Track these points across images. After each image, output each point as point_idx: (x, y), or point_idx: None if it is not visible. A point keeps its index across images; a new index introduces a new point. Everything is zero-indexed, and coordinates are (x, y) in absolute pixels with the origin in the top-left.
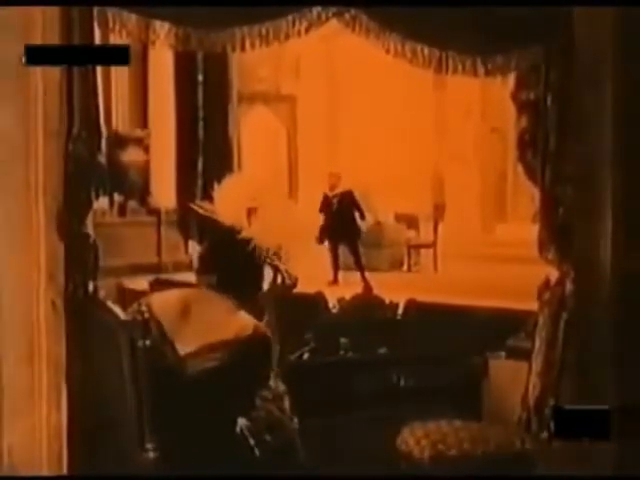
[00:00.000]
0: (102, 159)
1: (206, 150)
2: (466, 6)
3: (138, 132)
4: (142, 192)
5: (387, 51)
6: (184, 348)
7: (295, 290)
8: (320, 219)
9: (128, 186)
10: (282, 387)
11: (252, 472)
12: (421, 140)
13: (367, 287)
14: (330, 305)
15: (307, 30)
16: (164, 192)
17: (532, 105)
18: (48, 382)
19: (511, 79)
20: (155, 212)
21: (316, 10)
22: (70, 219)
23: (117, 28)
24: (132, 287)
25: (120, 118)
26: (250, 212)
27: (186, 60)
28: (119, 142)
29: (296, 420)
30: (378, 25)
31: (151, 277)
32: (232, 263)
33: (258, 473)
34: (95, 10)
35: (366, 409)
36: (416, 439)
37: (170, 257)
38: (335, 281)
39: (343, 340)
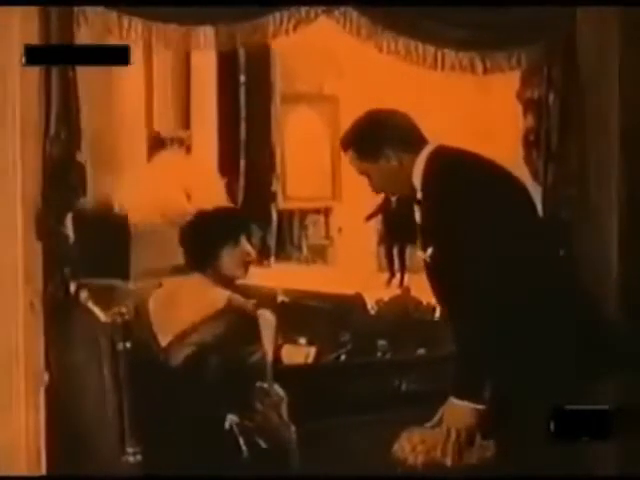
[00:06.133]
0: (82, 159)
1: (248, 151)
2: (464, 7)
3: (180, 133)
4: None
5: (380, 49)
6: (165, 339)
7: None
8: (378, 221)
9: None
10: (278, 390)
11: (238, 473)
12: (466, 143)
13: (405, 288)
14: (369, 306)
15: (295, 28)
16: (206, 192)
17: (537, 104)
18: (26, 384)
19: (516, 77)
20: None
21: (304, 7)
22: (48, 219)
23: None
24: None
25: (162, 119)
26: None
27: (228, 61)
28: (161, 143)
29: (292, 425)
30: (370, 22)
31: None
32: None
33: (244, 474)
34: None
35: (368, 413)
36: (412, 445)
37: None
38: (389, 283)
39: (381, 342)
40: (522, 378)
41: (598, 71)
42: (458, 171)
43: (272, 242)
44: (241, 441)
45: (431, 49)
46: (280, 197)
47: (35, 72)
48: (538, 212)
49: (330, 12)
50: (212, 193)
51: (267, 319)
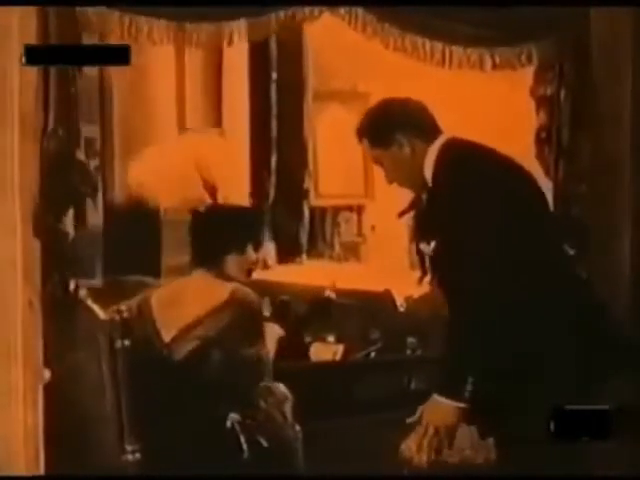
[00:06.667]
0: (81, 157)
1: (280, 148)
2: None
3: (212, 130)
4: (215, 190)
5: (386, 45)
6: (169, 334)
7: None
8: (410, 218)
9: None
10: (282, 389)
11: (239, 472)
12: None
13: (434, 286)
14: (398, 304)
15: (300, 24)
16: (236, 190)
17: (549, 101)
18: (24, 382)
19: (530, 74)
20: None
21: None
22: (47, 217)
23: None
24: None
25: (194, 117)
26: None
27: (260, 58)
28: None
29: (297, 425)
30: (375, 18)
31: None
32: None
33: (245, 474)
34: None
35: (376, 412)
36: (418, 444)
37: None
38: (421, 281)
39: (410, 339)
40: (524, 377)
41: (611, 68)
42: (469, 164)
43: (304, 239)
44: (242, 440)
45: (439, 46)
46: (312, 194)
47: (34, 71)
48: (550, 209)
49: (335, 9)
50: (243, 190)
51: (273, 331)
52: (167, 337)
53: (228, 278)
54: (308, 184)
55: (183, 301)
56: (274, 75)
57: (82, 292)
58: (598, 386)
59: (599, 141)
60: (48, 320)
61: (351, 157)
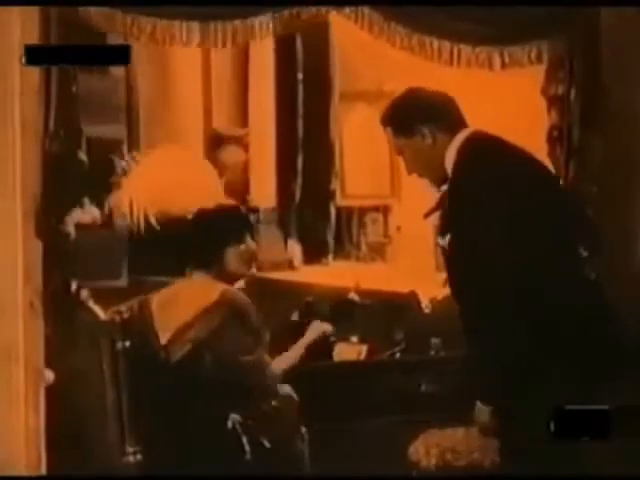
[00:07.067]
0: (83, 157)
1: (306, 149)
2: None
3: (238, 131)
4: (241, 190)
5: (393, 44)
6: (165, 336)
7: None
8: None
9: (227, 185)
10: (288, 389)
11: (241, 474)
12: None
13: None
14: (423, 305)
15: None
16: (263, 190)
17: (560, 100)
18: (26, 383)
19: (541, 73)
20: (254, 211)
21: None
22: (48, 218)
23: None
24: None
25: (220, 117)
26: None
27: (286, 58)
28: (219, 141)
29: (303, 427)
30: (382, 17)
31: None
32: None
33: (247, 475)
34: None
35: (385, 415)
36: (426, 447)
37: (268, 256)
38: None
39: (434, 340)
40: (528, 377)
41: (621, 67)
42: (490, 158)
43: (330, 240)
44: (244, 441)
45: (447, 44)
46: (339, 195)
47: (36, 71)
48: (568, 210)
49: (341, 9)
50: (269, 191)
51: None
52: (163, 339)
53: (230, 276)
54: (335, 184)
55: (179, 303)
56: (300, 75)
57: (84, 293)
58: (601, 386)
59: (610, 141)
60: (50, 322)
61: (377, 157)
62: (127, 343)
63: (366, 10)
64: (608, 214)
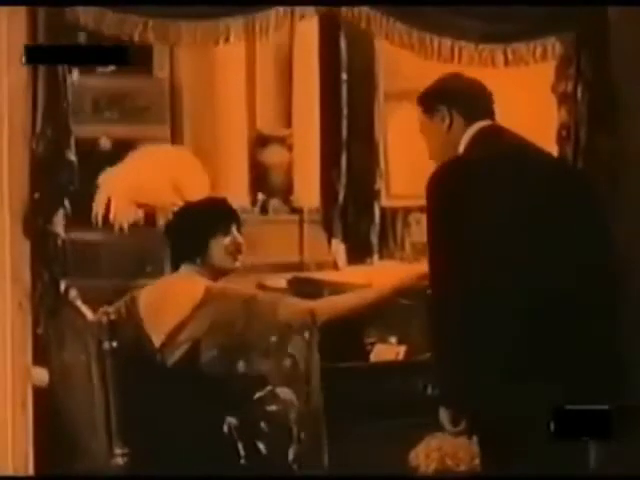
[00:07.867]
0: (71, 157)
1: (350, 149)
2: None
3: (282, 131)
4: (285, 191)
5: (391, 41)
6: (158, 339)
7: None
8: None
9: (271, 185)
10: (289, 394)
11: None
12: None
13: None
14: None
15: (300, 18)
16: (307, 191)
17: (570, 97)
18: (13, 383)
19: (551, 70)
20: (298, 211)
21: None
22: (36, 218)
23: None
24: (271, 285)
25: (264, 117)
26: None
27: (330, 58)
28: (262, 141)
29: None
30: (380, 14)
31: (290, 275)
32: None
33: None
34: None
35: (389, 419)
36: (427, 452)
37: (312, 256)
38: None
39: None
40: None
41: (629, 64)
42: (494, 151)
43: (375, 240)
44: (240, 446)
45: (447, 42)
46: (383, 195)
47: (23, 71)
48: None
49: (338, 6)
50: (313, 191)
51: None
52: (157, 342)
53: (215, 271)
54: (379, 184)
55: (168, 302)
56: (344, 75)
57: (72, 293)
58: (599, 386)
59: (618, 139)
60: (38, 322)
61: (422, 157)
62: (114, 343)
63: (364, 7)
64: (618, 212)
